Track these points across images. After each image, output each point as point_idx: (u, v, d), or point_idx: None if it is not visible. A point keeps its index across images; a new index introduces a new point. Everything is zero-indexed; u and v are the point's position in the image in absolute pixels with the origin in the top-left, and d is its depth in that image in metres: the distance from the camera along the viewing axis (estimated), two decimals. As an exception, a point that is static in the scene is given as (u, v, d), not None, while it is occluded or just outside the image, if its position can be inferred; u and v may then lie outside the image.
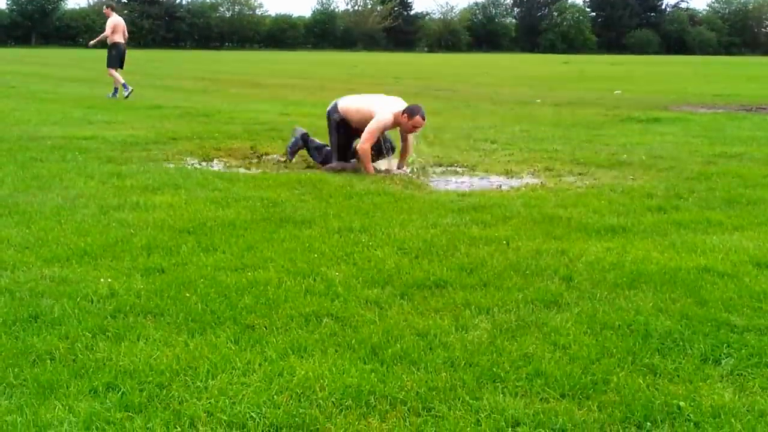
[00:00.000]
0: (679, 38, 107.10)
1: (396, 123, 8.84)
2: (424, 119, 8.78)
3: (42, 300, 4.37)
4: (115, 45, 19.31)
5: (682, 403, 3.27)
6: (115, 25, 19.32)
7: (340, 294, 4.55)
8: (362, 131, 8.84)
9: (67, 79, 26.23)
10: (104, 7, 20.39)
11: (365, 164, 8.86)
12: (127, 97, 18.55)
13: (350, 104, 9.07)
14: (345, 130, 9.10)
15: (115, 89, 19.19)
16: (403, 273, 4.97)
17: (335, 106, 9.15)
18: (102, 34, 19.58)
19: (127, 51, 19.65)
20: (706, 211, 6.86)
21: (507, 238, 5.85)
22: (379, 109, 8.82)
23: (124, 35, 19.54)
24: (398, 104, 8.93)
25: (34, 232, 5.82)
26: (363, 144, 8.80)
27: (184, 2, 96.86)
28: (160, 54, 61.75)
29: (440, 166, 9.45)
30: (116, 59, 19.32)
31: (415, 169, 9.08)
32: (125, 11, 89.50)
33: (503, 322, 4.16)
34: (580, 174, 8.86)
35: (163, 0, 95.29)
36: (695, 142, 11.68)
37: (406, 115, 8.75)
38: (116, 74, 19.29)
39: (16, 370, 3.50)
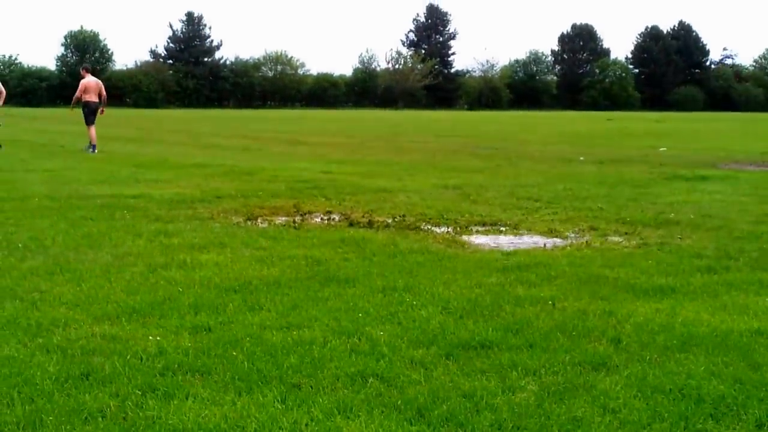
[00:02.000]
0: (724, 95, 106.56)
1: None
2: None
3: (93, 357, 4.43)
4: (86, 104, 21.26)
5: (737, 470, 3.20)
6: (86, 86, 21.29)
7: (385, 354, 4.54)
8: None
9: (115, 138, 26.72)
10: (81, 69, 22.69)
11: None
12: (88, 150, 20.35)
13: None
14: None
15: (93, 145, 20.65)
16: (448, 333, 4.95)
17: None
18: (75, 95, 21.57)
19: (100, 108, 21.53)
20: (757, 272, 6.77)
21: (553, 298, 5.81)
22: None
23: (99, 95, 21.48)
24: None
25: (85, 289, 5.92)
26: None
27: (227, 62, 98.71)
28: (204, 113, 62.82)
29: (484, 224, 9.44)
30: (88, 116, 21.07)
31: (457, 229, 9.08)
32: (170, 71, 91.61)
33: (551, 384, 4.11)
34: (626, 233, 8.79)
35: (208, 60, 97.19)
36: (744, 201, 11.56)
37: None
38: (92, 132, 20.87)
39: (68, 427, 3.54)
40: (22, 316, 5.21)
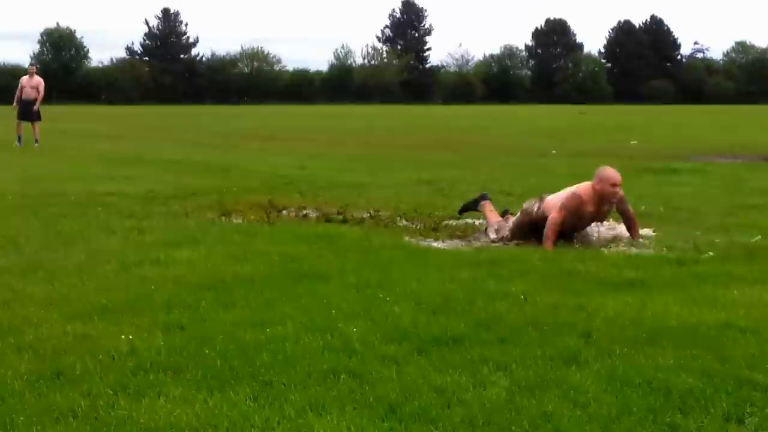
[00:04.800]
0: (696, 88, 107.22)
1: None
2: None
3: (64, 357, 4.40)
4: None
5: (703, 462, 3.24)
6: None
7: (357, 350, 4.55)
8: None
9: (90, 135, 26.55)
10: (33, 66, 24.16)
11: None
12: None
13: None
14: None
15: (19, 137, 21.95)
16: (421, 328, 4.97)
17: None
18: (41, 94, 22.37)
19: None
20: (726, 264, 6.83)
21: (524, 292, 5.83)
22: None
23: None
24: None
25: (57, 288, 5.88)
26: None
27: (204, 59, 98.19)
28: (180, 110, 62.50)
29: (457, 219, 9.47)
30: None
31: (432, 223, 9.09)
32: (146, 68, 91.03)
33: (521, 379, 4.14)
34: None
35: (184, 57, 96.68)
36: (714, 193, 11.68)
37: None
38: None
39: (39, 428, 3.53)
40: (-6, 316, 5.18)
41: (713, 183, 13.09)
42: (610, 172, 7.86)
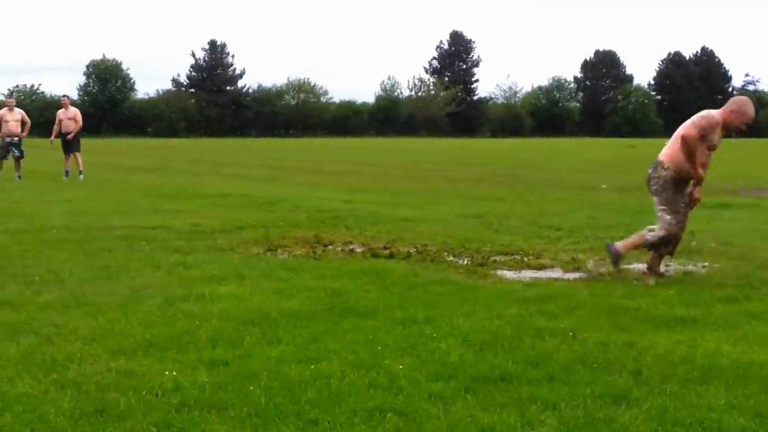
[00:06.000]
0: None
1: None
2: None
3: (108, 393, 4.41)
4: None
5: None
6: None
7: (403, 388, 4.50)
8: None
9: (136, 169, 26.91)
10: (66, 98, 24.23)
11: None
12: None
13: None
14: None
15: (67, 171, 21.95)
16: (468, 366, 4.91)
17: None
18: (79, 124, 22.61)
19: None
20: (779, 302, 6.67)
21: (573, 329, 5.75)
22: None
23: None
24: None
25: (101, 323, 5.92)
26: None
27: (250, 91, 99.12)
28: (226, 142, 63.18)
29: (505, 254, 9.37)
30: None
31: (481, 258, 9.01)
32: (192, 100, 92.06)
33: (570, 418, 4.06)
34: (647, 263, 8.69)
35: (230, 89, 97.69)
36: (766, 229, 11.44)
37: None
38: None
39: (80, 466, 3.52)
40: (37, 351, 5.21)
41: (765, 218, 12.84)
42: (750, 108, 7.67)
